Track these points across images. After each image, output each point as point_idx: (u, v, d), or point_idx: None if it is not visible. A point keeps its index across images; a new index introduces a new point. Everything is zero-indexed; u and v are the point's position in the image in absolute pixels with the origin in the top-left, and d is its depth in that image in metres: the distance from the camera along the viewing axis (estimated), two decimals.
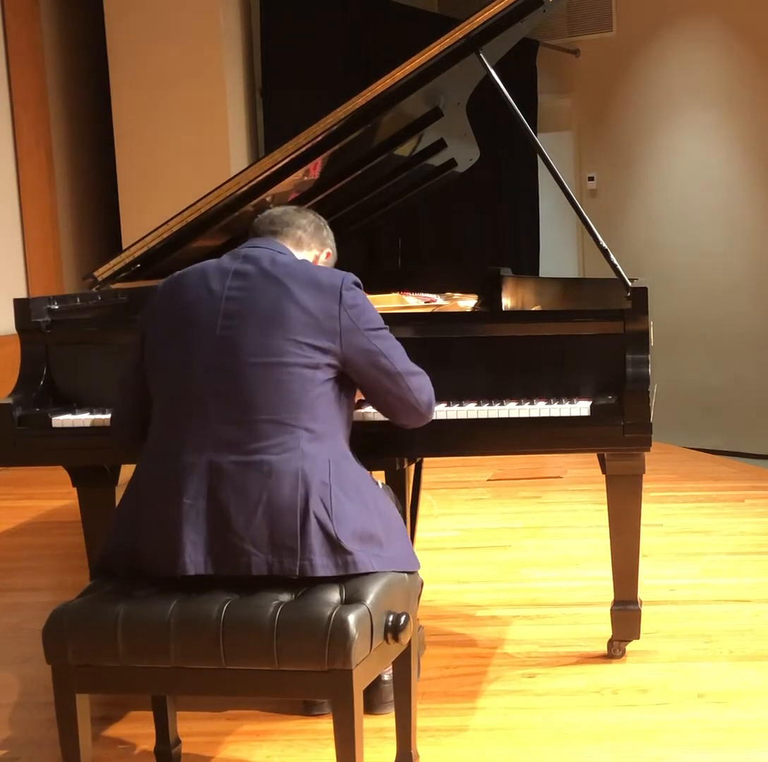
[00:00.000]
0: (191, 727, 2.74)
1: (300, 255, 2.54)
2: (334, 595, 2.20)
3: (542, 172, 8.30)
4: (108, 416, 2.81)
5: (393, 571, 2.31)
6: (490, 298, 4.05)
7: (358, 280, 2.42)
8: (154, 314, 2.42)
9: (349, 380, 2.40)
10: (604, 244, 2.98)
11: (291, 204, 3.53)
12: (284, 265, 2.38)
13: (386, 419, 2.53)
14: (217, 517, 2.22)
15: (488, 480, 5.43)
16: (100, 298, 3.31)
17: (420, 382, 2.47)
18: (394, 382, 2.42)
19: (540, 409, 2.75)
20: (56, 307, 3.01)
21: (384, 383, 2.41)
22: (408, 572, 2.37)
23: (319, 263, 2.61)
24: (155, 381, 2.38)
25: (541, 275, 8.34)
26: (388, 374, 2.40)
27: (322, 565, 2.22)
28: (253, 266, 2.37)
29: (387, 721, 2.64)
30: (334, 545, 2.23)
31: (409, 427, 2.54)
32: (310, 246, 2.59)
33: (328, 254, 2.66)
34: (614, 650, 3.11)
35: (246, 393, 2.27)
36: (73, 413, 2.87)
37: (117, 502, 2.92)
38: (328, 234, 2.66)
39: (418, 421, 2.52)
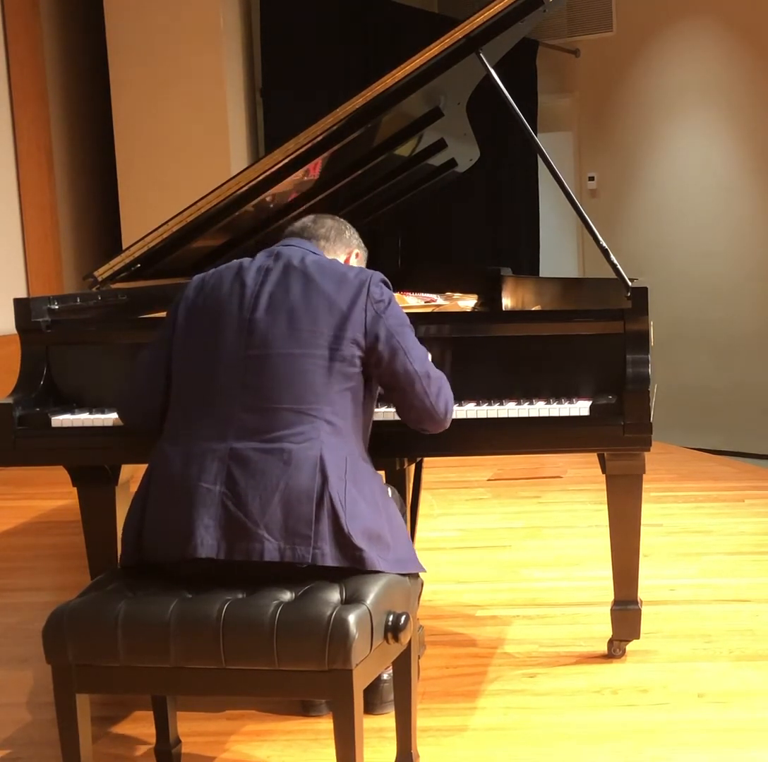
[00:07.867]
0: (191, 727, 2.74)
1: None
2: (334, 595, 2.20)
3: (542, 172, 8.30)
4: (107, 416, 2.81)
5: (396, 573, 2.31)
6: (490, 298, 4.04)
7: (386, 279, 2.46)
8: (186, 303, 2.46)
9: (371, 383, 2.42)
10: (604, 244, 2.98)
11: (291, 203, 3.55)
12: (314, 262, 2.44)
13: (388, 418, 2.53)
14: (233, 503, 2.23)
15: (488, 480, 5.43)
16: (100, 298, 3.31)
17: (438, 386, 2.46)
18: (411, 382, 2.41)
19: (540, 409, 2.75)
20: (56, 307, 3.01)
21: (401, 383, 2.41)
22: (410, 575, 2.37)
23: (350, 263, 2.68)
24: (179, 368, 2.41)
25: (541, 275, 8.34)
26: (407, 373, 2.40)
27: (332, 556, 2.23)
28: (284, 262, 2.44)
29: (387, 721, 2.64)
30: (345, 540, 2.24)
31: (427, 432, 2.53)
32: (335, 251, 2.65)
33: (356, 255, 2.72)
34: (614, 650, 3.11)
35: (270, 382, 2.30)
36: (73, 413, 2.87)
37: (117, 503, 2.94)
38: (350, 234, 2.72)
39: (435, 426, 2.51)
